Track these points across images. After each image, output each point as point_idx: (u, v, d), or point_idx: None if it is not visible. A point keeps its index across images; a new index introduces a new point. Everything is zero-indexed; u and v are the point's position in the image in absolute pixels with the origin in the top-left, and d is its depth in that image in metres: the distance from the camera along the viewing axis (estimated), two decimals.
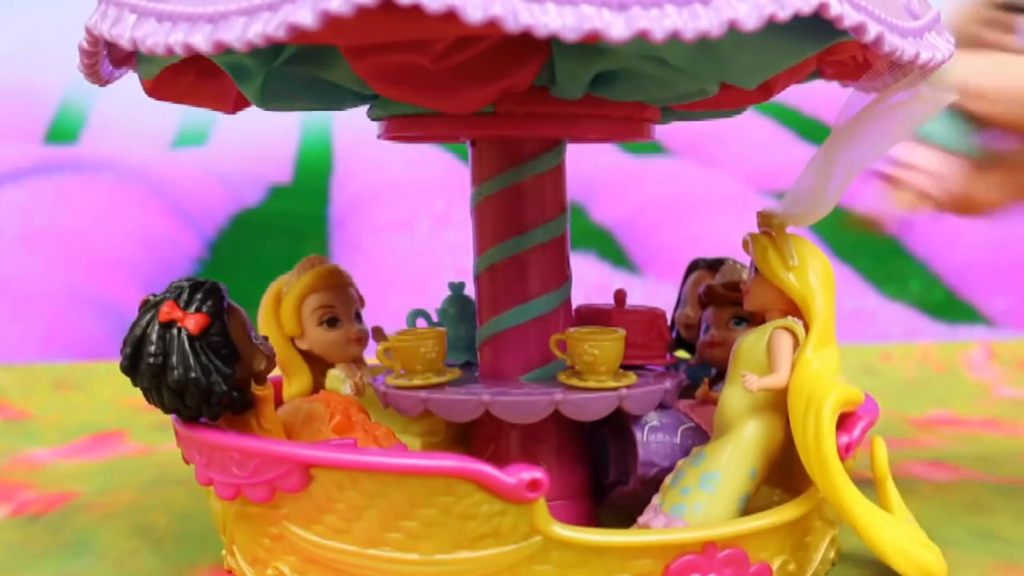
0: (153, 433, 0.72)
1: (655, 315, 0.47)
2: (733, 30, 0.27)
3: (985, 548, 0.44)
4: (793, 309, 0.39)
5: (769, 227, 0.39)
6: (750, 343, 0.40)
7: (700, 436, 0.43)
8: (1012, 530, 0.47)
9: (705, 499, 0.38)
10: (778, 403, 0.38)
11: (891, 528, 0.38)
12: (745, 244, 0.41)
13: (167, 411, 0.39)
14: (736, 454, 0.39)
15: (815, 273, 0.39)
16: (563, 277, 0.45)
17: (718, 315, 0.48)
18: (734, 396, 0.40)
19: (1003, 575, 0.41)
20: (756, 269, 0.40)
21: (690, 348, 0.53)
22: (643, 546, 0.35)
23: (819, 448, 0.36)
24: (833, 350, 0.38)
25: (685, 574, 0.35)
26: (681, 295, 0.54)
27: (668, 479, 0.40)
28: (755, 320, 0.44)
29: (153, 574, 0.43)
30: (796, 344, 0.38)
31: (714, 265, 0.52)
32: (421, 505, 0.34)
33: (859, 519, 0.37)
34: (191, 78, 0.40)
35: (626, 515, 0.41)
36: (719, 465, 0.38)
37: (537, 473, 0.33)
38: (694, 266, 0.54)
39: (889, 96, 0.37)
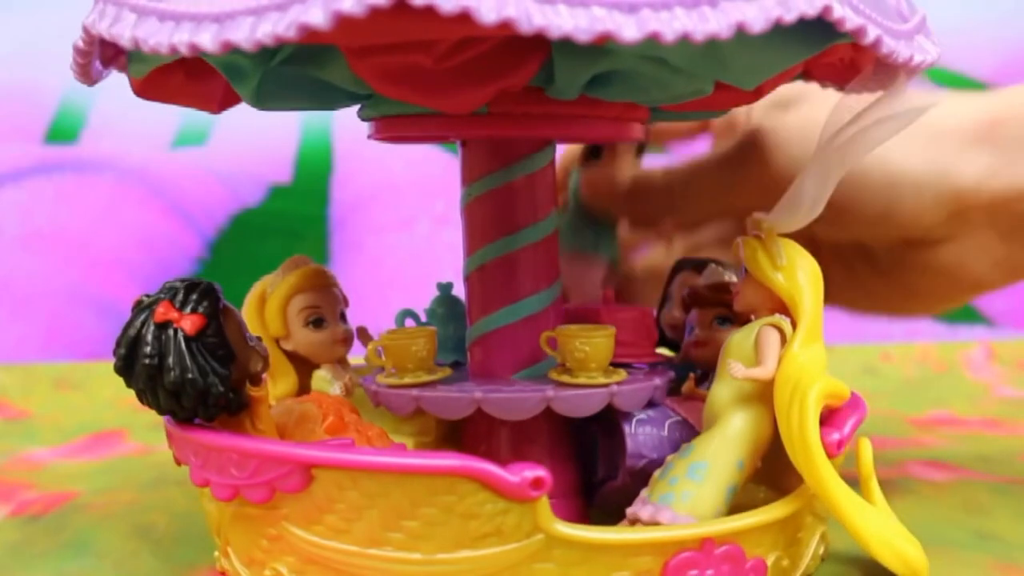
0: (153, 433, 0.72)
1: (643, 314, 0.48)
2: (738, 32, 0.27)
3: (985, 548, 0.44)
4: (782, 309, 0.40)
5: (759, 231, 0.40)
6: (739, 339, 0.41)
7: (687, 430, 0.44)
8: (1012, 530, 0.47)
9: (693, 488, 0.38)
10: (765, 396, 0.39)
11: (875, 520, 0.38)
12: (735, 248, 0.41)
13: (162, 412, 0.38)
14: (723, 445, 0.39)
15: (803, 272, 0.40)
16: (553, 276, 0.45)
17: (702, 316, 0.49)
18: (722, 390, 0.40)
19: (1003, 575, 0.41)
20: (746, 271, 0.41)
21: (674, 347, 0.54)
22: (643, 543, 0.35)
23: (803, 437, 0.37)
24: (820, 348, 0.39)
25: (683, 570, 0.35)
26: (667, 295, 0.54)
27: (657, 473, 0.40)
28: (739, 320, 0.45)
29: (153, 574, 0.43)
30: (783, 340, 0.39)
31: (699, 266, 0.52)
32: (423, 504, 0.34)
33: (844, 509, 0.37)
34: (180, 78, 0.40)
35: (612, 513, 0.41)
36: (706, 455, 0.39)
37: (540, 471, 0.33)
38: (679, 267, 0.54)
39: (875, 104, 0.37)
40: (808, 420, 0.37)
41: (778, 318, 0.40)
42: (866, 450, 0.41)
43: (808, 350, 0.38)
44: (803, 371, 0.38)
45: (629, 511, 0.39)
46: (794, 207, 0.39)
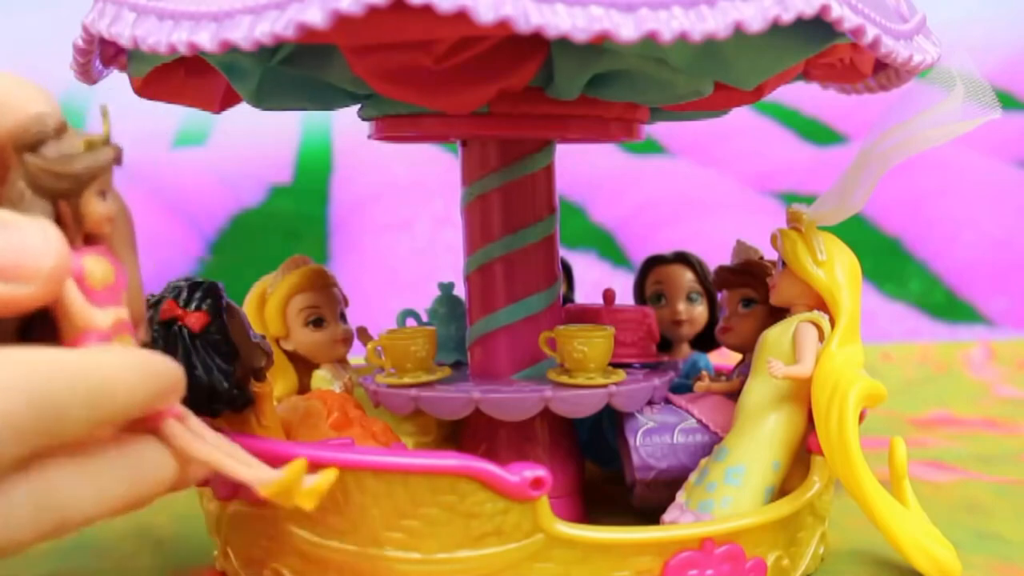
0: None
1: (644, 314, 0.48)
2: (737, 32, 0.27)
3: (985, 548, 0.44)
4: (819, 304, 0.40)
5: (798, 224, 0.40)
6: (776, 335, 0.40)
7: (700, 433, 0.43)
8: (1012, 530, 0.47)
9: (732, 493, 0.38)
10: (800, 395, 0.39)
11: (910, 523, 0.38)
12: (773, 239, 0.41)
13: None
14: (759, 447, 0.39)
15: (843, 269, 0.39)
16: (553, 277, 0.45)
17: (730, 298, 0.48)
18: (759, 388, 0.40)
19: (1003, 575, 0.41)
20: (784, 263, 0.40)
21: (667, 344, 0.53)
22: (643, 543, 0.35)
23: (842, 439, 0.36)
24: (858, 347, 0.39)
25: (684, 570, 0.35)
26: (641, 293, 0.55)
27: (693, 477, 0.40)
28: (763, 301, 0.44)
29: (153, 574, 0.43)
30: (821, 337, 0.39)
31: (668, 260, 0.53)
32: (424, 504, 0.34)
33: (879, 512, 0.37)
34: (180, 77, 0.40)
35: (612, 513, 0.41)
36: (742, 459, 0.39)
37: (540, 471, 0.33)
38: (649, 263, 0.54)
39: (927, 110, 0.37)
40: (848, 421, 0.36)
41: (816, 315, 0.39)
42: (900, 450, 0.40)
43: (845, 349, 0.38)
44: (842, 371, 0.37)
45: (666, 518, 0.39)
46: (838, 201, 0.39)
